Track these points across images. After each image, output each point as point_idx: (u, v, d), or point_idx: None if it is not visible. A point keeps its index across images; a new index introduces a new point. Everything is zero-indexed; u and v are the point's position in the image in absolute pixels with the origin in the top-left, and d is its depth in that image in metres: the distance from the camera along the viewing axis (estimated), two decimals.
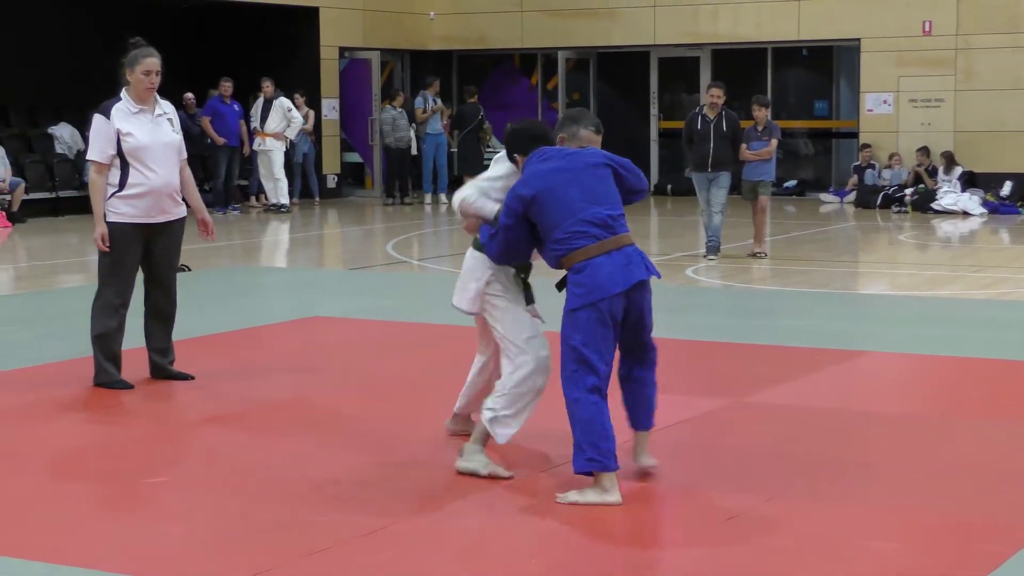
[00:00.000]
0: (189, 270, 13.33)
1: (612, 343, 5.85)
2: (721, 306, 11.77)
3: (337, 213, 21.61)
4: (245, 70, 21.88)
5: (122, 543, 5.31)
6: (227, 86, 21.07)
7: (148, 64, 7.84)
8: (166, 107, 8.07)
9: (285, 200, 21.13)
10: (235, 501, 5.82)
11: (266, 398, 7.91)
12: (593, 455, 5.69)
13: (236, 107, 21.23)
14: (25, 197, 19.42)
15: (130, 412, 7.70)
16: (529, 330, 6.19)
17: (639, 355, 6.09)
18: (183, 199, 8.15)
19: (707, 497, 5.89)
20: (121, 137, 7.78)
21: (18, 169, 19.72)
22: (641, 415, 6.14)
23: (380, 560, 5.09)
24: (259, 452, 6.65)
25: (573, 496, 5.72)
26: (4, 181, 19.15)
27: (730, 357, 9.16)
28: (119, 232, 7.84)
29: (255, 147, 21.24)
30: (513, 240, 6.01)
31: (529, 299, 6.31)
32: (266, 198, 21.35)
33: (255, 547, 5.21)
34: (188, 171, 8.20)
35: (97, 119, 7.85)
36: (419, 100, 23.30)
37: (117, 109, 7.85)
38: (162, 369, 8.21)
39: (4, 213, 18.92)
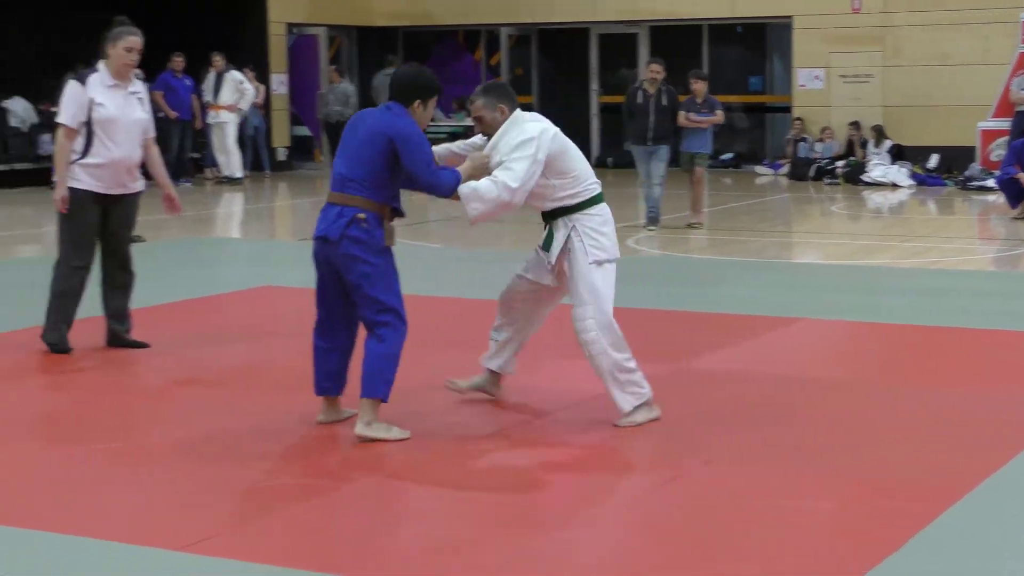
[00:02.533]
0: (143, 241, 13.21)
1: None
2: (661, 275, 11.81)
3: (287, 186, 21.48)
4: (194, 45, 21.64)
5: (77, 506, 5.26)
6: (179, 61, 20.87)
7: (131, 42, 7.88)
8: (139, 86, 8.08)
9: (239, 173, 20.97)
10: (188, 465, 5.78)
11: (220, 364, 7.87)
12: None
13: (188, 81, 21.04)
14: None
15: (86, 379, 7.65)
16: None
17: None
18: (148, 175, 8.14)
19: (646, 460, 5.91)
20: (93, 106, 7.79)
21: None
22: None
23: (331, 521, 5.08)
24: (215, 416, 6.61)
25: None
26: None
27: (670, 324, 9.19)
28: (77, 198, 7.84)
29: (209, 120, 21.05)
30: None
31: None
32: (218, 171, 21.18)
33: (208, 510, 5.18)
34: (155, 148, 8.22)
35: (73, 85, 7.87)
36: (381, 78, 23.21)
37: (93, 79, 7.87)
38: (118, 337, 8.17)
39: None
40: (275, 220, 17.79)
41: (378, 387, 6.01)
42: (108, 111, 7.81)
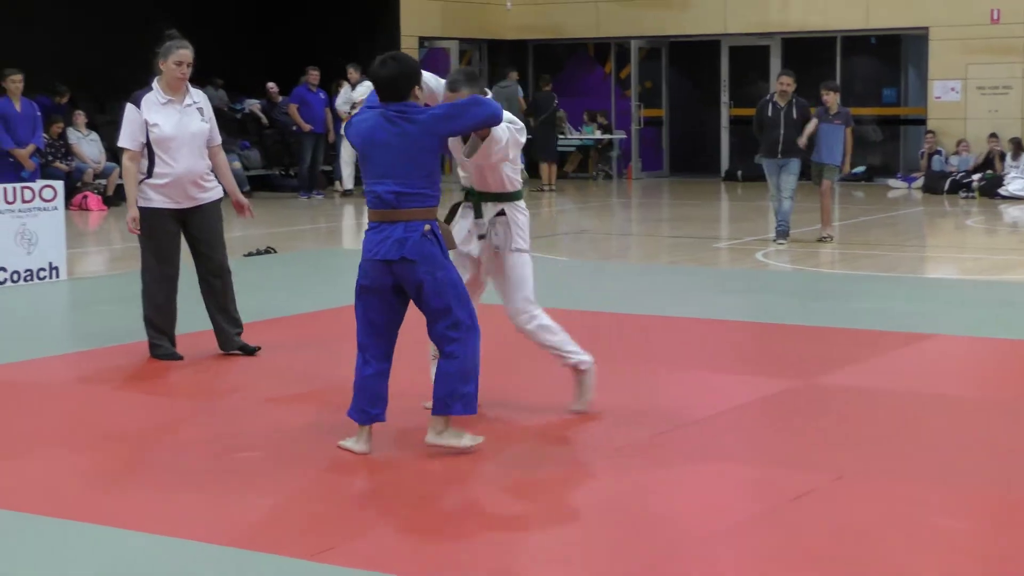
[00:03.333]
0: (275, 252, 13.42)
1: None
2: (790, 289, 11.66)
3: None
4: (326, 60, 21.92)
5: (212, 514, 5.33)
6: (315, 75, 21.18)
7: (180, 55, 7.92)
8: (197, 96, 8.13)
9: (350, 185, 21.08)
10: (322, 475, 5.83)
11: (343, 376, 7.91)
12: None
13: (321, 95, 21.30)
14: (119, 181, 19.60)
15: (202, 385, 7.75)
16: None
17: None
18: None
19: (775, 476, 5.83)
20: (148, 127, 7.90)
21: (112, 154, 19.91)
22: None
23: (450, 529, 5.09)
24: (327, 426, 6.66)
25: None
26: (99, 164, 19.38)
27: (799, 339, 9.07)
28: (149, 216, 7.98)
29: (341, 132, 21.28)
30: None
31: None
32: (340, 184, 21.38)
33: (341, 519, 5.22)
34: (222, 156, 8.30)
35: (129, 108, 7.99)
36: (498, 90, 23.32)
37: (147, 99, 7.97)
38: (229, 340, 8.26)
39: (100, 197, 19.14)
40: None
41: (451, 406, 5.94)
42: (163, 130, 7.90)
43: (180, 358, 8.17)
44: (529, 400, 7.20)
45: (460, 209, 6.64)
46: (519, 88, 23.98)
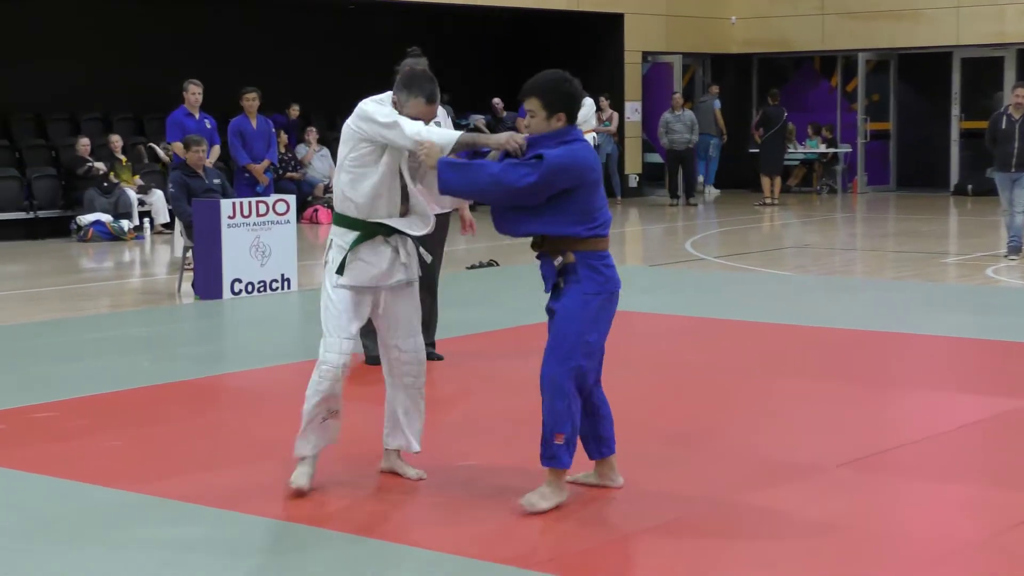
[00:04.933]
0: (497, 265, 13.62)
1: None
2: (1022, 307, 11.32)
3: (638, 212, 21.67)
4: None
5: (442, 522, 5.45)
6: None
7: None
8: (437, 112, 8.23)
9: None
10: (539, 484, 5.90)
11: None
12: (573, 451, 5.38)
13: None
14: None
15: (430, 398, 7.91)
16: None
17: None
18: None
19: (1000, 498, 5.68)
20: None
21: None
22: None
23: (682, 548, 5.10)
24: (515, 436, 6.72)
25: (533, 501, 5.33)
26: (329, 179, 19.96)
27: None
28: None
29: None
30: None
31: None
32: None
33: (550, 532, 5.28)
34: None
35: None
36: (716, 102, 23.63)
37: None
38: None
39: (330, 210, 19.68)
40: (625, 245, 17.96)
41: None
42: None
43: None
44: (739, 424, 7.16)
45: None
46: (716, 101, 23.99)
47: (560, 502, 5.38)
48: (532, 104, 5.36)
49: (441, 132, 5.56)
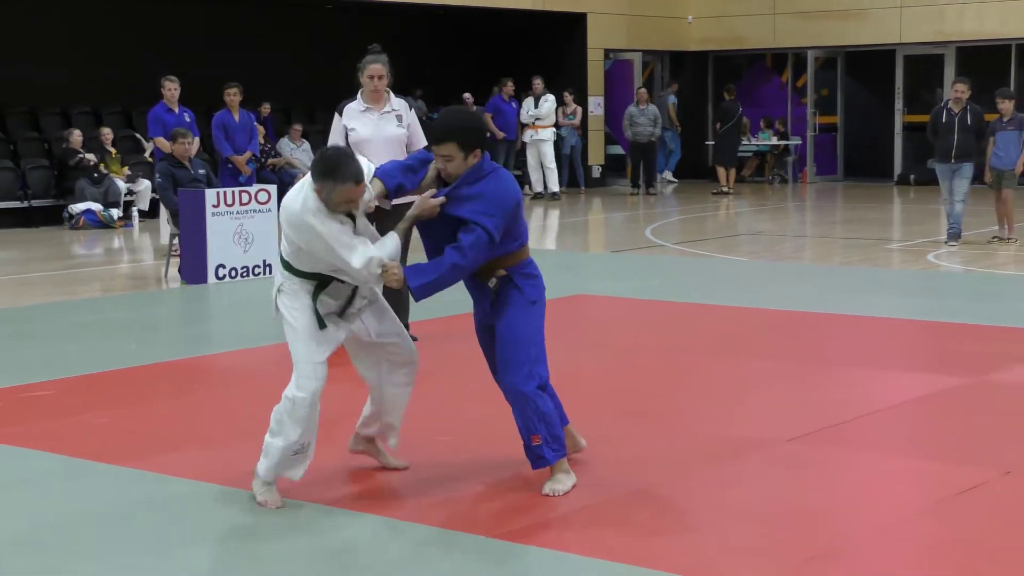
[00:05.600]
0: None
1: None
2: (961, 290, 11.39)
3: (601, 201, 21.69)
4: (519, 71, 22.16)
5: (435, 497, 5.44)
6: (510, 86, 21.48)
7: (372, 69, 8.28)
8: (396, 104, 8.41)
9: (555, 188, 21.39)
10: (505, 457, 5.90)
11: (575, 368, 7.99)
12: (556, 446, 5.34)
13: (514, 104, 21.56)
14: None
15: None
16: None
17: None
18: None
19: (943, 470, 5.72)
20: (348, 131, 8.26)
21: None
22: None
23: (638, 519, 5.11)
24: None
25: (553, 487, 5.31)
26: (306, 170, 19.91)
27: (970, 338, 8.85)
28: None
29: (527, 139, 21.56)
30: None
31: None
32: (530, 187, 21.61)
33: (516, 503, 5.29)
34: None
35: (335, 117, 8.37)
36: (671, 98, 23.71)
37: (348, 108, 8.34)
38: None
39: None
40: (589, 233, 17.98)
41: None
42: (359, 134, 8.25)
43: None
44: (693, 402, 7.17)
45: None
46: (672, 97, 24.17)
47: (574, 482, 5.37)
48: (449, 149, 5.18)
49: (384, 244, 5.16)
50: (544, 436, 5.31)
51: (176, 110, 14.21)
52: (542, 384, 5.35)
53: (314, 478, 5.45)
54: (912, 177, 23.30)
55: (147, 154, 18.69)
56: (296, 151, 20.21)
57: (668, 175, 24.52)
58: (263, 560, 4.71)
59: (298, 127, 20.38)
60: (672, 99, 24.37)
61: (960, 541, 4.84)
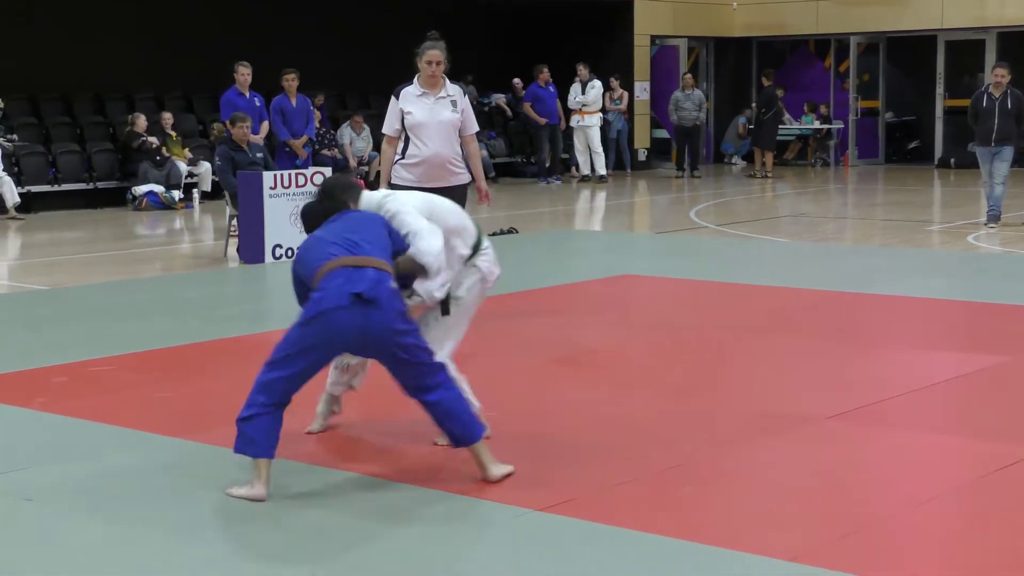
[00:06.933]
0: (517, 232, 13.59)
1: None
2: (1001, 270, 11.25)
3: (646, 184, 21.60)
4: (565, 57, 22.08)
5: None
6: (545, 73, 21.34)
7: (430, 55, 8.11)
8: (451, 90, 8.27)
9: (602, 171, 21.30)
10: (550, 433, 5.89)
11: (579, 345, 7.99)
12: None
13: (552, 89, 21.40)
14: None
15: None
16: None
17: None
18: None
19: (982, 447, 5.66)
20: (404, 115, 8.14)
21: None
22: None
23: (679, 494, 5.09)
24: (571, 391, 6.72)
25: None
26: (364, 153, 19.94)
27: (1008, 317, 8.75)
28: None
29: (573, 124, 21.47)
30: None
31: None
32: (578, 170, 21.53)
33: (559, 477, 5.27)
34: (473, 144, 8.45)
35: (392, 100, 8.28)
36: (742, 119, 23.88)
37: (405, 92, 8.20)
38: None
39: (363, 182, 19.66)
40: (634, 215, 17.92)
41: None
42: (415, 117, 8.12)
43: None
44: (734, 379, 7.13)
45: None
46: (742, 119, 24.29)
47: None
48: None
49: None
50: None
51: (247, 95, 14.37)
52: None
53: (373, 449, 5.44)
54: (953, 160, 23.06)
55: (213, 137, 18.78)
56: (357, 140, 20.22)
57: (737, 159, 24.57)
58: (326, 531, 4.72)
59: (359, 117, 20.36)
60: (742, 120, 24.48)
61: (998, 518, 4.78)
